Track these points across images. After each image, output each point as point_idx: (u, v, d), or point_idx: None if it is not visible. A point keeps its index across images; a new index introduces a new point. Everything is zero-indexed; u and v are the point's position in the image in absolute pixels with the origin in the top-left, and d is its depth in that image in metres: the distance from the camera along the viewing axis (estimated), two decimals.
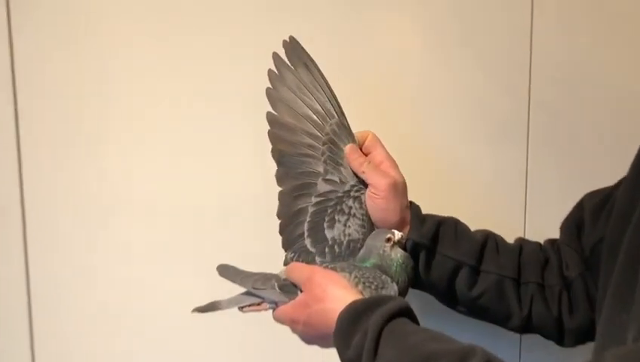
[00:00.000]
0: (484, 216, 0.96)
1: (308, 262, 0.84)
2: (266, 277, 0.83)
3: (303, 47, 0.86)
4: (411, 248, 0.86)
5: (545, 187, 1.09)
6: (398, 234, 0.82)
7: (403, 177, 0.85)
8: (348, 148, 0.85)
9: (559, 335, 0.89)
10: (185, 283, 0.98)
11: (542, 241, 0.95)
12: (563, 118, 1.08)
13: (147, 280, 1.01)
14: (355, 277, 0.78)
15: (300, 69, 0.86)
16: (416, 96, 1.05)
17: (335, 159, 0.86)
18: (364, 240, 0.85)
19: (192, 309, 0.83)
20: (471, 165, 1.08)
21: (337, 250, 0.85)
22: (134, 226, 1.01)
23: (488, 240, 0.90)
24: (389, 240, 0.81)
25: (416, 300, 0.86)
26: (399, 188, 0.84)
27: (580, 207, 0.90)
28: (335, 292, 0.75)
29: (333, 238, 0.85)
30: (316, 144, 0.86)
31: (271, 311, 0.83)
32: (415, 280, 0.86)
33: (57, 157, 0.97)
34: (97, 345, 1.01)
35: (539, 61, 1.05)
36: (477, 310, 0.90)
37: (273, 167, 0.87)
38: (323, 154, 0.86)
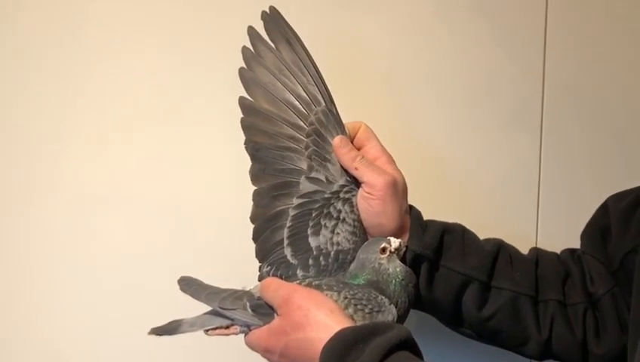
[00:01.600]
0: (491, 220, 0.90)
1: (288, 277, 0.72)
2: (235, 295, 0.71)
3: (285, 20, 0.74)
4: (411, 260, 0.75)
5: (559, 188, 1.01)
6: (395, 242, 0.70)
7: (402, 175, 0.74)
8: (337, 140, 0.73)
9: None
10: (163, 284, 0.85)
11: (558, 251, 0.86)
12: (577, 112, 1.02)
13: (132, 279, 0.93)
14: (345, 297, 0.66)
15: (282, 46, 0.74)
16: (411, 87, 0.97)
17: (321, 154, 0.74)
18: (355, 251, 0.73)
19: (148, 331, 0.72)
20: (477, 162, 0.99)
21: (323, 262, 0.72)
22: (118, 224, 0.92)
23: (500, 251, 0.79)
24: (384, 250, 0.70)
25: (411, 319, 0.76)
26: (399, 187, 0.73)
27: (604, 211, 0.81)
28: (319, 318, 0.64)
29: (318, 247, 0.73)
30: (299, 135, 0.74)
31: (242, 335, 0.72)
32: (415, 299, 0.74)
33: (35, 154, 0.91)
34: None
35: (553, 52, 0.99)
36: (487, 333, 0.79)
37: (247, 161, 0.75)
38: (307, 147, 0.74)
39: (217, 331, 0.72)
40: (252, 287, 0.73)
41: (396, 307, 0.67)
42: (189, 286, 0.72)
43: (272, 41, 0.74)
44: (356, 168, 0.72)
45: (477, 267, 0.76)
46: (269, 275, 0.73)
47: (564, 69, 0.99)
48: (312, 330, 0.63)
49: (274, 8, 0.74)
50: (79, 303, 0.91)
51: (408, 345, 0.60)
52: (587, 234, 0.82)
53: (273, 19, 0.74)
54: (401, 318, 0.69)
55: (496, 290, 0.77)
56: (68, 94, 0.90)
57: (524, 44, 0.99)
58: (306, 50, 0.74)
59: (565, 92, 1.00)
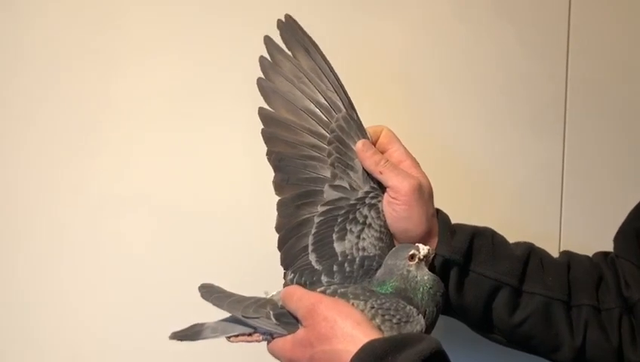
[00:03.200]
0: (514, 222, 0.88)
1: (312, 283, 0.70)
2: (258, 304, 0.69)
3: (301, 28, 0.73)
4: (440, 265, 0.73)
5: (582, 189, 0.99)
6: (424, 249, 0.68)
7: (428, 179, 0.72)
8: (360, 145, 0.71)
9: None
10: (179, 284, 0.85)
11: (588, 254, 0.82)
12: (601, 111, 0.99)
13: (139, 278, 0.91)
14: (372, 307, 0.65)
15: (299, 54, 0.73)
16: (432, 89, 0.95)
17: (344, 161, 0.72)
18: (381, 257, 0.71)
19: (169, 335, 0.71)
20: (500, 163, 0.97)
21: (348, 269, 0.70)
22: (125, 224, 0.91)
23: (531, 255, 0.77)
24: (412, 257, 0.68)
25: (439, 326, 0.73)
26: (425, 191, 0.71)
27: (638, 213, 0.77)
28: (346, 330, 0.62)
29: (343, 253, 0.71)
30: (321, 143, 0.72)
31: (265, 342, 0.70)
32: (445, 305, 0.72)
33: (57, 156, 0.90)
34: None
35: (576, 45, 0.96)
36: (518, 339, 0.76)
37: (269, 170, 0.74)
38: (330, 155, 0.72)
39: (240, 338, 0.70)
40: (275, 294, 0.71)
41: (424, 316, 0.65)
42: (210, 293, 0.70)
43: (289, 49, 0.73)
44: (381, 172, 0.70)
45: (508, 271, 0.74)
46: (292, 283, 0.71)
47: (587, 69, 0.97)
48: (338, 342, 0.61)
49: (289, 16, 0.73)
50: (100, 304, 0.90)
51: (439, 356, 0.57)
52: (621, 236, 0.79)
53: (289, 27, 0.72)
54: (429, 328, 0.67)
55: (527, 295, 0.74)
56: (92, 98, 0.89)
57: (547, 44, 0.97)
58: (324, 57, 0.72)
59: (589, 92, 0.98)
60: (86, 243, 0.90)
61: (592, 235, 0.84)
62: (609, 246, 0.81)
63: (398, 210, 0.70)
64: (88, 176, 0.90)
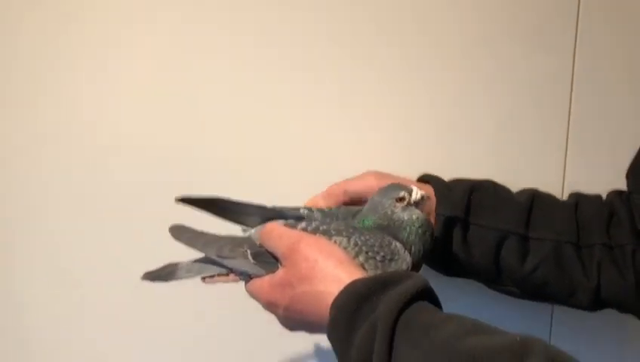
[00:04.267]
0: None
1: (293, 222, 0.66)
2: (235, 242, 0.66)
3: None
4: (442, 225, 0.72)
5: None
6: (417, 194, 0.64)
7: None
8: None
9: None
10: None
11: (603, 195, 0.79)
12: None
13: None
14: (355, 244, 0.61)
15: None
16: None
17: None
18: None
19: (142, 276, 0.68)
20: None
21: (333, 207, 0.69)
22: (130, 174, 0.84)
23: (535, 200, 0.75)
24: (402, 199, 0.64)
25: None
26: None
27: None
28: (328, 270, 0.58)
29: None
30: None
31: (243, 282, 0.67)
32: (449, 260, 0.71)
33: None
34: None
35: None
36: (532, 288, 0.74)
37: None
38: None
39: (216, 278, 0.67)
40: (253, 231, 0.67)
41: (410, 254, 0.63)
42: (182, 233, 0.67)
43: None
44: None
45: (512, 220, 0.72)
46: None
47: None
48: (319, 283, 0.58)
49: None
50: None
51: (426, 294, 0.54)
52: (633, 172, 0.75)
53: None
54: (416, 267, 0.64)
55: (536, 241, 0.73)
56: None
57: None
58: None
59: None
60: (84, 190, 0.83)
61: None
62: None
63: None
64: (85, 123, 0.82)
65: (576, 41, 0.86)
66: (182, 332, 0.86)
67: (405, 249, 0.62)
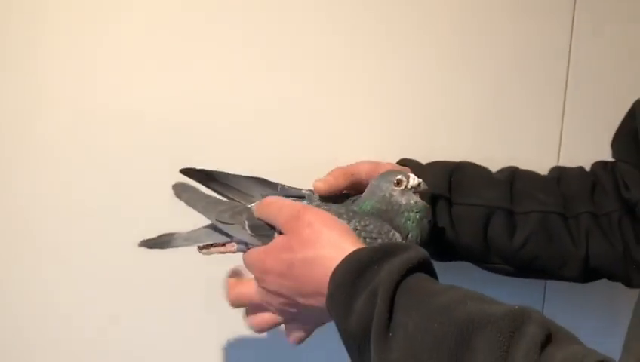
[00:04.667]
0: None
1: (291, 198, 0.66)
2: (235, 210, 0.65)
3: None
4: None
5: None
6: (414, 180, 0.64)
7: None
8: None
9: (629, 274, 0.73)
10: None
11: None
12: None
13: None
14: (355, 228, 0.61)
15: None
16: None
17: None
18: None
19: (138, 243, 0.67)
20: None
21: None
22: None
23: (516, 176, 0.76)
24: (399, 182, 0.64)
25: None
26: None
27: (632, 115, 0.74)
28: (332, 237, 0.57)
29: None
30: None
31: (241, 253, 0.66)
32: (438, 243, 0.71)
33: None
34: None
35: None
36: (522, 262, 0.74)
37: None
38: None
39: (212, 249, 0.66)
40: (254, 204, 0.66)
41: (406, 240, 0.63)
42: (185, 191, 0.65)
43: None
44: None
45: (495, 197, 0.73)
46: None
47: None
48: (322, 248, 0.56)
49: None
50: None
51: (425, 266, 0.54)
52: (617, 141, 0.76)
53: None
54: None
55: (522, 216, 0.73)
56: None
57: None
58: None
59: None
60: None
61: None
62: None
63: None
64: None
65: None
66: (182, 332, 0.85)
67: (403, 237, 0.63)
